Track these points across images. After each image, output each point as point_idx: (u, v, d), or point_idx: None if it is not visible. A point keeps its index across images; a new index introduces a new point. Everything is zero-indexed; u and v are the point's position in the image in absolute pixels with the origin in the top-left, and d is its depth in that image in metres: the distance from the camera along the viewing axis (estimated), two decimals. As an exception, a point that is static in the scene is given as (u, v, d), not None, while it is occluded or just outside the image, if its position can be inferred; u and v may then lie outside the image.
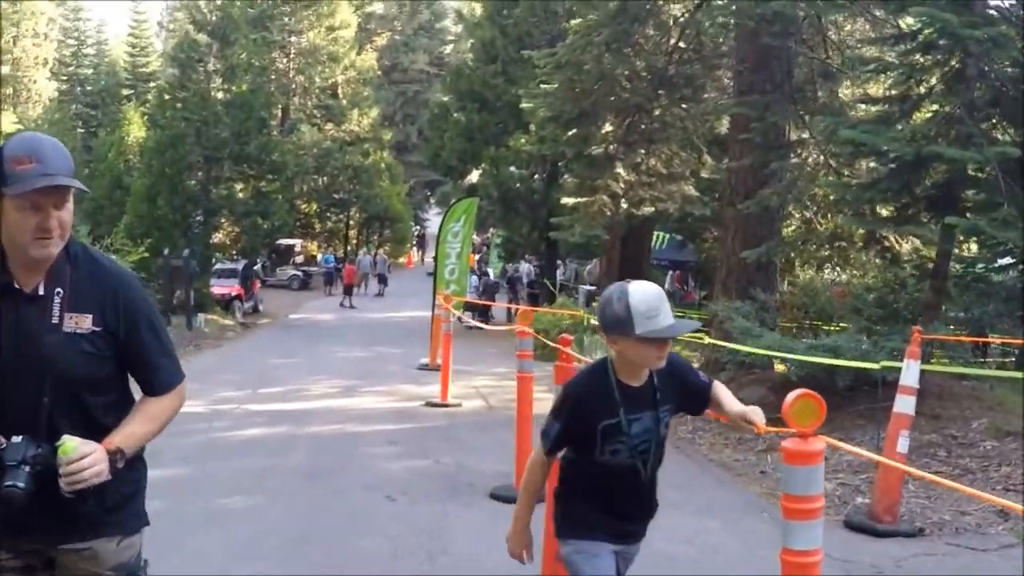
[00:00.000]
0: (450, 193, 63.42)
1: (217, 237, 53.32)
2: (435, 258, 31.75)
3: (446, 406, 20.24)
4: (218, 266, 50.17)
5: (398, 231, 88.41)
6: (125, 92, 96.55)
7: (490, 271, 56.60)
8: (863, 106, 20.93)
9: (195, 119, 46.57)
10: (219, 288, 46.47)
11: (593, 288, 48.27)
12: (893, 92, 19.00)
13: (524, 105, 28.69)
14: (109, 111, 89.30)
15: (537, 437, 5.28)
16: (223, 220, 52.42)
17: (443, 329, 21.36)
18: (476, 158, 44.93)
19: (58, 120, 78.11)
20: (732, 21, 22.39)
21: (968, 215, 16.35)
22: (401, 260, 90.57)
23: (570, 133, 26.14)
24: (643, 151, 25.87)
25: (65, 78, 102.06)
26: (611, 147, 25.25)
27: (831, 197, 20.46)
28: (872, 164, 20.08)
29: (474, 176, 47.64)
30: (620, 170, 25.32)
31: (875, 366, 13.07)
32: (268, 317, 49.19)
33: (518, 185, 41.86)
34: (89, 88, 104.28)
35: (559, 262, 54.10)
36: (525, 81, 41.33)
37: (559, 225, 27.75)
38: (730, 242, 22.51)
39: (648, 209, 27.19)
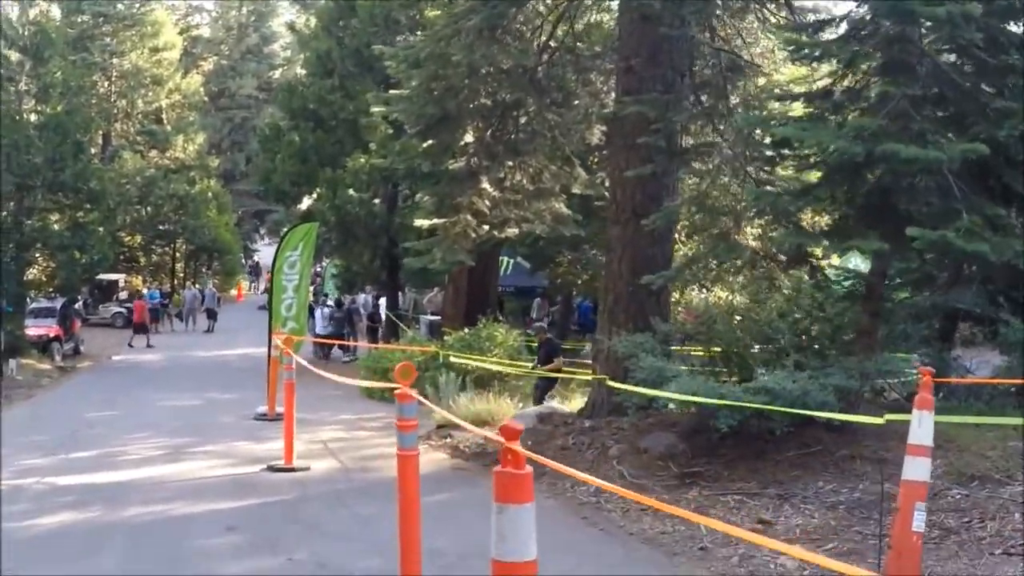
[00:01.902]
0: (282, 221, 60.33)
1: (31, 273, 49.13)
2: (269, 291, 28.44)
3: (292, 470, 17.05)
4: (34, 305, 46.47)
5: (227, 263, 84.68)
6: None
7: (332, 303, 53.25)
8: (778, 104, 18.18)
9: (5, 143, 42.50)
10: (35, 329, 42.75)
11: (436, 318, 45.70)
12: (816, 86, 16.45)
13: (374, 109, 25.59)
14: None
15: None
16: (37, 254, 48.23)
17: (284, 377, 18.04)
18: (311, 181, 41.60)
19: None
20: (618, 7, 19.70)
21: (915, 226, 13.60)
22: (231, 292, 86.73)
23: (427, 144, 23.05)
24: (509, 164, 22.89)
25: None
26: (474, 160, 22.17)
27: (748, 208, 17.49)
28: (789, 170, 17.69)
29: (309, 201, 44.40)
30: (486, 185, 22.34)
31: (877, 420, 10.39)
32: (89, 359, 45.32)
33: (357, 209, 38.43)
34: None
35: (400, 292, 51.00)
36: (364, 94, 38.53)
37: (412, 250, 24.73)
38: (616, 265, 19.64)
39: (512, 231, 24.29)
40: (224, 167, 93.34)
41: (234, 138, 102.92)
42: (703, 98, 19.11)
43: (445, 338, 31.17)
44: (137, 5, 77.17)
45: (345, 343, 42.12)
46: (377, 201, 40.45)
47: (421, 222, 23.71)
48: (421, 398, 19.22)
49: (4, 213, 42.97)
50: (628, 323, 18.89)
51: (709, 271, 19.23)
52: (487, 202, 22.69)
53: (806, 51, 15.91)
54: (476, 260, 37.34)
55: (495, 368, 25.62)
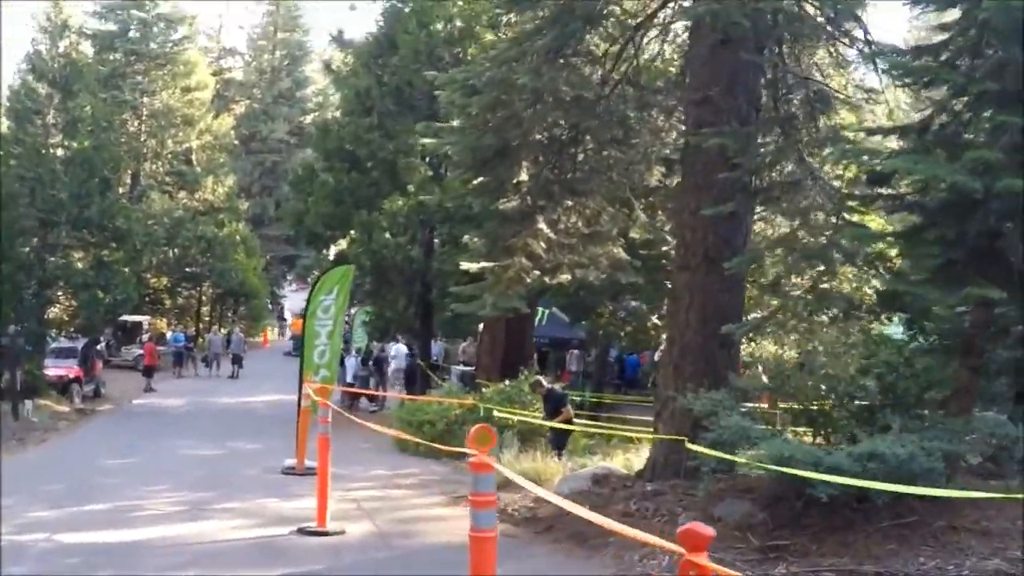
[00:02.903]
0: (312, 266, 58.76)
1: (53, 312, 47.51)
2: (301, 337, 26.82)
3: (325, 534, 15.30)
4: (54, 345, 44.87)
5: (254, 307, 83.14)
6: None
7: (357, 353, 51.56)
8: (873, 138, 16.47)
9: (30, 177, 41.11)
10: (55, 370, 41.41)
11: (469, 368, 44.21)
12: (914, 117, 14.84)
13: (424, 141, 23.73)
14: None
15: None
16: (59, 293, 46.65)
17: (319, 431, 16.22)
18: (345, 224, 39.93)
19: None
20: (690, 34, 18.10)
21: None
22: (257, 338, 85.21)
23: (478, 180, 21.33)
24: (568, 203, 21.18)
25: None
26: (528, 199, 20.45)
27: (842, 252, 15.73)
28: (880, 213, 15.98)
29: (342, 244, 42.72)
30: (542, 226, 20.61)
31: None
32: (110, 402, 43.94)
33: (393, 254, 36.67)
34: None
35: (434, 341, 49.42)
36: (404, 133, 37.04)
37: (460, 296, 23.03)
38: (684, 314, 17.83)
39: (565, 276, 22.53)
40: (253, 211, 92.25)
41: (264, 182, 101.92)
42: (788, 131, 17.38)
43: (483, 390, 29.57)
44: (170, 45, 76.39)
45: (373, 393, 40.47)
46: (413, 245, 38.66)
47: (469, 266, 21.99)
48: (455, 450, 17.64)
49: (27, 249, 41.46)
50: (696, 377, 17.11)
51: (800, 322, 17.40)
52: (542, 244, 20.97)
53: (912, 76, 14.27)
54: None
55: (542, 424, 23.89)
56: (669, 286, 27.45)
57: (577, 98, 19.22)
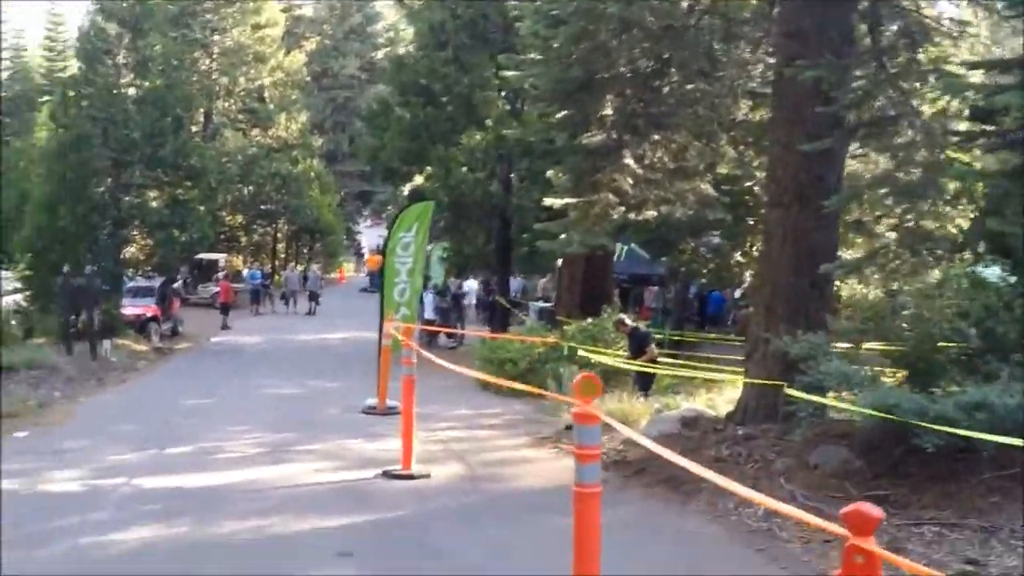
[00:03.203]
0: (388, 201, 58.25)
1: (129, 251, 47.47)
2: (380, 274, 26.33)
3: (411, 477, 14.97)
4: (131, 284, 44.38)
5: (329, 244, 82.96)
6: (41, 99, 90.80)
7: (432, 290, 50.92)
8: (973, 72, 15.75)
9: (102, 118, 40.83)
10: (132, 309, 41.02)
11: (547, 304, 43.75)
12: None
13: (507, 74, 23.12)
14: (24, 118, 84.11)
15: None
16: (135, 232, 46.57)
17: (403, 372, 15.76)
18: (421, 159, 39.30)
19: (-38, 127, 73.74)
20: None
21: None
22: (333, 275, 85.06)
23: (563, 114, 20.74)
24: (655, 138, 20.55)
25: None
26: (613, 133, 19.84)
27: (944, 191, 15.07)
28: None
29: (419, 179, 42.06)
30: (629, 161, 20.02)
31: None
32: (188, 340, 43.58)
33: (472, 189, 36.07)
34: (3, 94, 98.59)
35: (512, 277, 48.91)
36: (480, 68, 36.46)
37: (545, 232, 22.51)
38: (776, 253, 17.21)
39: (651, 213, 21.89)
40: (327, 147, 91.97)
41: (336, 118, 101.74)
42: (884, 64, 16.66)
43: (564, 328, 29.10)
44: (239, -19, 75.61)
45: (452, 330, 39.99)
46: (492, 181, 38.00)
47: (553, 201, 21.46)
48: (550, 393, 17.22)
49: (101, 189, 41.27)
50: (789, 319, 16.52)
51: (903, 263, 16.73)
52: (629, 180, 20.39)
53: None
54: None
55: (626, 364, 23.36)
56: (752, 223, 27.05)
57: (664, 28, 18.61)
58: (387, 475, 15.04)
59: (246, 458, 16.98)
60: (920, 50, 16.75)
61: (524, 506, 13.84)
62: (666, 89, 20.34)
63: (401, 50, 56.05)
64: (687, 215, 22.50)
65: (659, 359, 23.70)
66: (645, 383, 22.63)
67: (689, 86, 20.38)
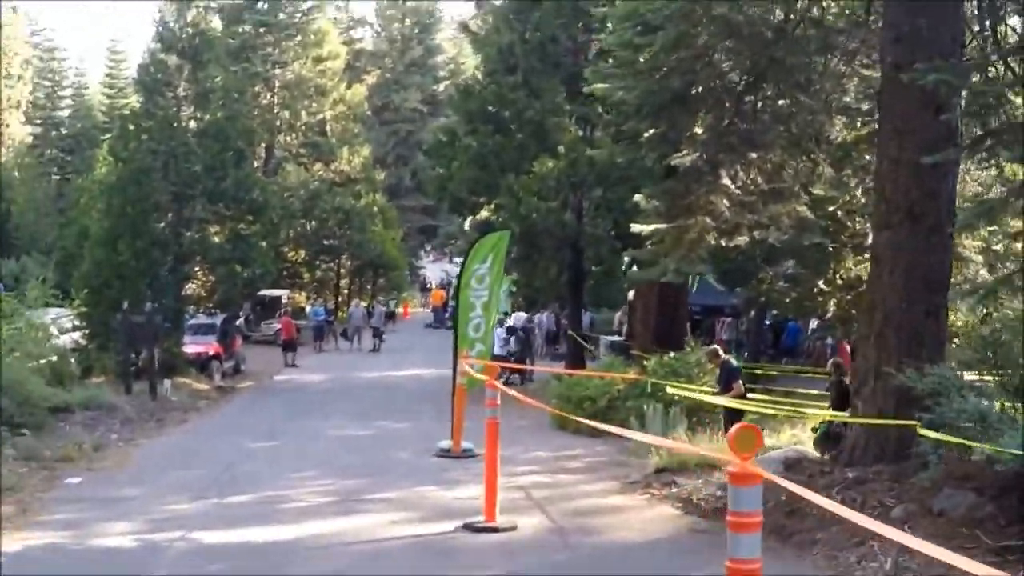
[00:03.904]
0: (453, 234, 57.08)
1: (190, 288, 46.51)
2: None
3: (495, 530, 13.62)
4: (192, 321, 43.73)
5: (393, 279, 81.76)
6: (102, 136, 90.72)
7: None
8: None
9: (162, 151, 39.99)
10: (194, 347, 40.04)
11: (618, 338, 42.52)
12: None
13: (597, 87, 21.56)
14: (85, 156, 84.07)
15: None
16: (196, 268, 45.63)
17: (487, 415, 14.36)
18: (490, 189, 37.87)
19: (28, 165, 73.53)
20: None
21: None
22: (397, 310, 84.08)
23: (651, 132, 19.34)
24: (752, 156, 19.19)
25: (39, 121, 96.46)
26: (705, 152, 18.48)
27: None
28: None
29: (485, 212, 40.60)
30: (726, 181, 18.68)
31: None
32: (251, 378, 42.57)
33: (545, 219, 34.51)
34: (64, 132, 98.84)
35: (584, 311, 47.59)
36: (551, 93, 35.35)
37: (637, 261, 21.24)
38: (886, 278, 15.80)
39: (742, 238, 20.53)
40: (389, 182, 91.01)
41: (399, 152, 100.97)
42: (1012, 65, 15.26)
43: (643, 362, 27.73)
44: (300, 15, 75.13)
45: (523, 367, 38.56)
46: (565, 210, 36.39)
47: (642, 228, 20.13)
48: (637, 435, 15.84)
49: (162, 224, 40.37)
50: (903, 349, 15.15)
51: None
52: (725, 202, 19.04)
53: None
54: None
55: (718, 402, 21.90)
56: (833, 248, 25.64)
57: (760, 36, 17.28)
58: (469, 528, 13.72)
59: (314, 508, 15.66)
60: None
61: (621, 562, 12.52)
62: (759, 104, 19.00)
63: (462, 79, 54.48)
64: (781, 240, 21.12)
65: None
66: (734, 420, 21.28)
67: (782, 101, 19.07)
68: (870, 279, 16.86)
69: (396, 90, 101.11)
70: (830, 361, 25.02)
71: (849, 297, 29.35)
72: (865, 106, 19.69)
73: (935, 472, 12.78)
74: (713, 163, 18.64)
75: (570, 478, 18.85)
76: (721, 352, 23.21)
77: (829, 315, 31.25)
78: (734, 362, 23.00)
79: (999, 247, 17.56)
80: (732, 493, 6.83)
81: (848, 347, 31.89)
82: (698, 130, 18.87)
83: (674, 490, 16.39)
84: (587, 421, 18.58)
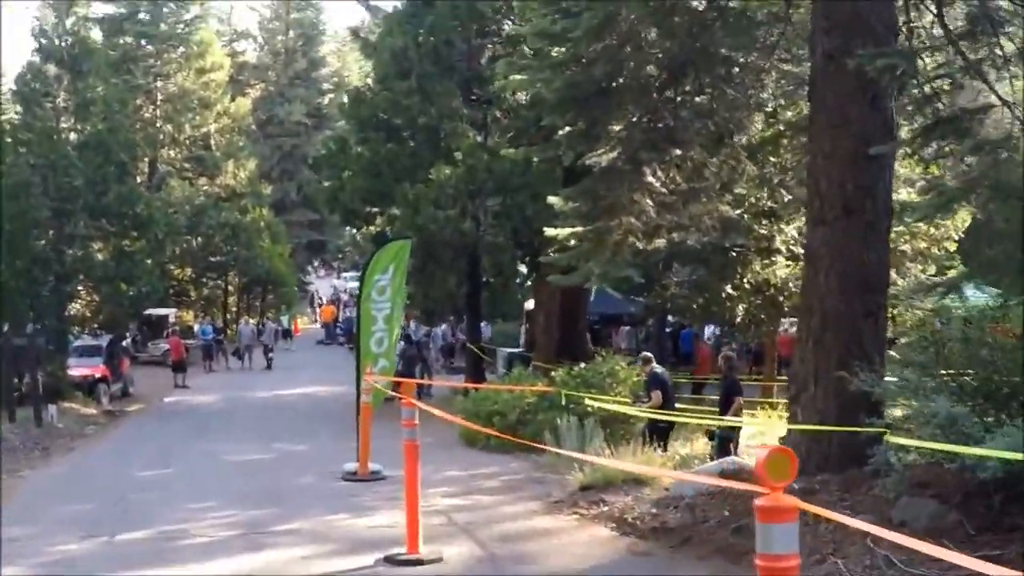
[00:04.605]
0: (342, 248, 55.84)
1: (74, 308, 44.77)
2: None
3: (419, 563, 12.43)
4: (77, 343, 42.29)
5: (283, 295, 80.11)
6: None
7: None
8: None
9: (41, 164, 38.32)
10: (79, 369, 38.70)
11: (516, 350, 41.63)
12: None
13: (510, 79, 20.40)
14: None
15: None
16: (80, 287, 43.82)
17: (405, 436, 13.14)
18: (384, 198, 36.53)
19: None
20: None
21: None
22: (289, 327, 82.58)
23: (568, 129, 18.21)
24: (677, 153, 18.18)
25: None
26: (626, 151, 17.44)
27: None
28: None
29: (379, 222, 39.24)
30: (651, 179, 17.65)
31: None
32: (140, 401, 41.16)
33: (444, 228, 33.14)
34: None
35: (482, 323, 46.61)
36: (446, 98, 34.33)
37: (553, 265, 20.17)
38: (823, 278, 14.90)
39: (660, 241, 19.53)
40: (275, 196, 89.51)
41: (284, 166, 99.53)
42: (964, 51, 14.38)
43: (552, 374, 26.71)
44: (182, 26, 73.94)
45: (421, 382, 37.34)
46: (464, 219, 35.04)
47: (556, 231, 19.05)
48: (559, 450, 14.76)
49: (42, 241, 38.71)
50: (841, 352, 14.41)
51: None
52: (649, 202, 18.00)
53: None
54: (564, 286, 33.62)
55: (640, 414, 20.87)
56: (737, 252, 24.87)
57: (687, 20, 16.35)
58: (391, 561, 12.52)
59: (217, 544, 14.23)
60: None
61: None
62: (679, 99, 18.05)
63: (354, 86, 52.86)
64: (701, 241, 20.18)
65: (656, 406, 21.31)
66: (657, 432, 20.35)
67: (700, 97, 18.14)
68: (805, 280, 15.97)
69: (280, 103, 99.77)
70: (720, 356, 24.20)
71: (759, 301, 28.64)
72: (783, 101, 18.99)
73: (899, 480, 11.87)
74: (635, 161, 17.61)
75: (490, 499, 17.62)
76: (652, 359, 22.34)
77: (738, 319, 30.56)
78: (662, 372, 22.04)
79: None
80: (763, 531, 5.66)
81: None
82: (616, 127, 17.85)
83: (604, 509, 15.26)
84: (510, 437, 17.53)
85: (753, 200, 22.76)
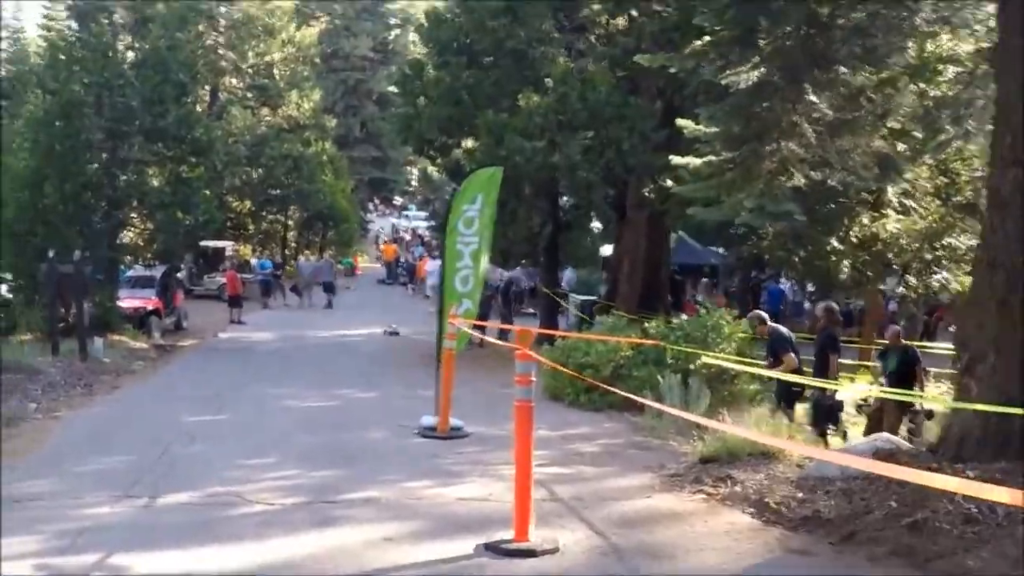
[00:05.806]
0: (407, 182, 53.53)
1: (126, 236, 42.45)
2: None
3: (532, 554, 9.94)
4: (129, 273, 40.80)
5: (343, 232, 77.87)
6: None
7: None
8: None
9: (96, 82, 35.90)
10: (130, 301, 37.17)
11: (590, 298, 39.42)
12: None
13: None
14: (22, 101, 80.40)
15: None
16: (133, 214, 41.51)
17: (517, 397, 10.60)
18: (463, 128, 33.89)
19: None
20: None
21: None
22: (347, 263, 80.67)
23: (713, 36, 15.52)
24: (828, 77, 15.45)
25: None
26: (781, 67, 14.74)
27: None
28: None
29: (458, 152, 36.48)
30: (813, 97, 14.95)
31: None
32: (193, 336, 39.29)
33: (530, 160, 30.14)
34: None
35: (563, 268, 44.28)
36: (536, 20, 31.83)
37: (691, 200, 17.55)
38: (1012, 230, 12.24)
39: (799, 179, 16.85)
40: (337, 132, 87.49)
41: (348, 102, 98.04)
42: None
43: (644, 326, 24.26)
44: (247, -51, 71.37)
45: (504, 327, 34.68)
46: (553, 152, 31.98)
47: (688, 160, 16.40)
48: (683, 413, 12.27)
49: (95, 165, 36.39)
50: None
51: None
52: (808, 126, 15.31)
53: None
54: (649, 232, 31.21)
55: (776, 376, 18.22)
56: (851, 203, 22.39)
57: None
58: (496, 550, 10.01)
59: (277, 515, 11.66)
60: None
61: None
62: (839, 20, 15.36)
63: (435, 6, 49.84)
64: (846, 180, 17.47)
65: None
66: (790, 399, 17.77)
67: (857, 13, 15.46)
68: (988, 231, 13.24)
69: (346, 36, 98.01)
70: (752, 313, 21.60)
71: (866, 257, 26.21)
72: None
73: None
74: (795, 77, 14.88)
75: (593, 470, 14.96)
76: (768, 318, 19.78)
77: (843, 276, 27.95)
78: (784, 331, 19.38)
79: None
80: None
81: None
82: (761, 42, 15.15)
83: (735, 488, 12.69)
84: (635, 397, 14.89)
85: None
